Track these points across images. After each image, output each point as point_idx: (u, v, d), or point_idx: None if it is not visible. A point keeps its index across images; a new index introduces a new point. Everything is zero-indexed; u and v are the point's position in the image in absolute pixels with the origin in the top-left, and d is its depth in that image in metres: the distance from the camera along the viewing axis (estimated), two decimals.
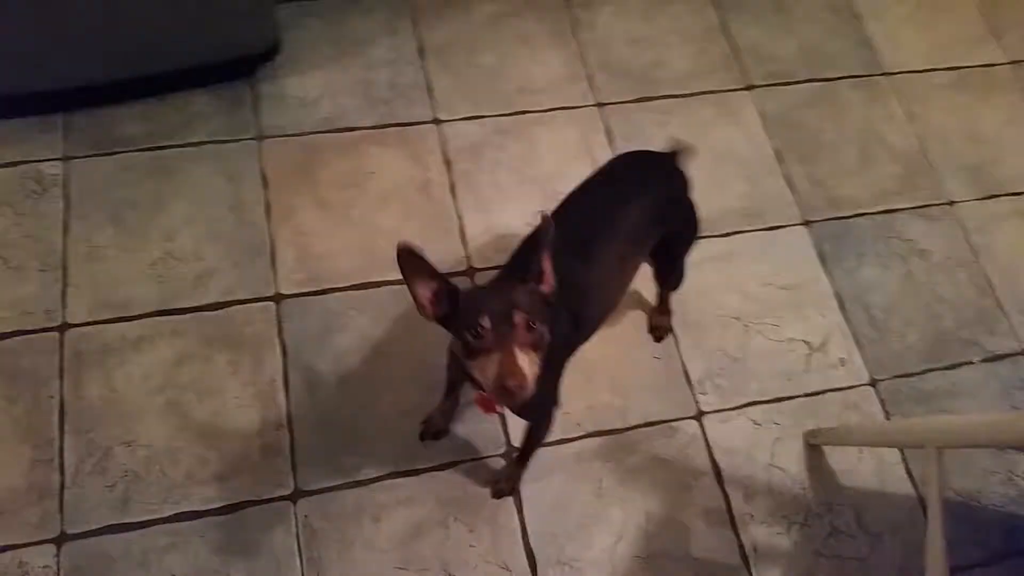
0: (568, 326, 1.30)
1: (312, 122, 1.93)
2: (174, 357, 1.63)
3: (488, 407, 1.31)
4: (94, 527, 1.49)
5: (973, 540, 1.69)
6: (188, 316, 1.68)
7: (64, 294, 1.67)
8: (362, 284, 1.77)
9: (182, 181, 1.81)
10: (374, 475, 1.60)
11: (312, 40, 2.02)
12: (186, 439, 1.57)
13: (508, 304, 1.06)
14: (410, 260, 1.08)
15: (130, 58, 1.74)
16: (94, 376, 1.60)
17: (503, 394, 1.04)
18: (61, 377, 1.59)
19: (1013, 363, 1.92)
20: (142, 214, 1.76)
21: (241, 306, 1.71)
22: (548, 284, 1.14)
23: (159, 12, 1.67)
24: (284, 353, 1.68)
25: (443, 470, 1.62)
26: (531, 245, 1.15)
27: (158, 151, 1.83)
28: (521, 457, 1.54)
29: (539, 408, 1.40)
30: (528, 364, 1.04)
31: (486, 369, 1.06)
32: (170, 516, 1.51)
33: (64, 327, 1.64)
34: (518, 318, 1.05)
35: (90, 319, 1.65)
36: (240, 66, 1.90)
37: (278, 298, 1.73)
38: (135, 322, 1.65)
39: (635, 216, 1.38)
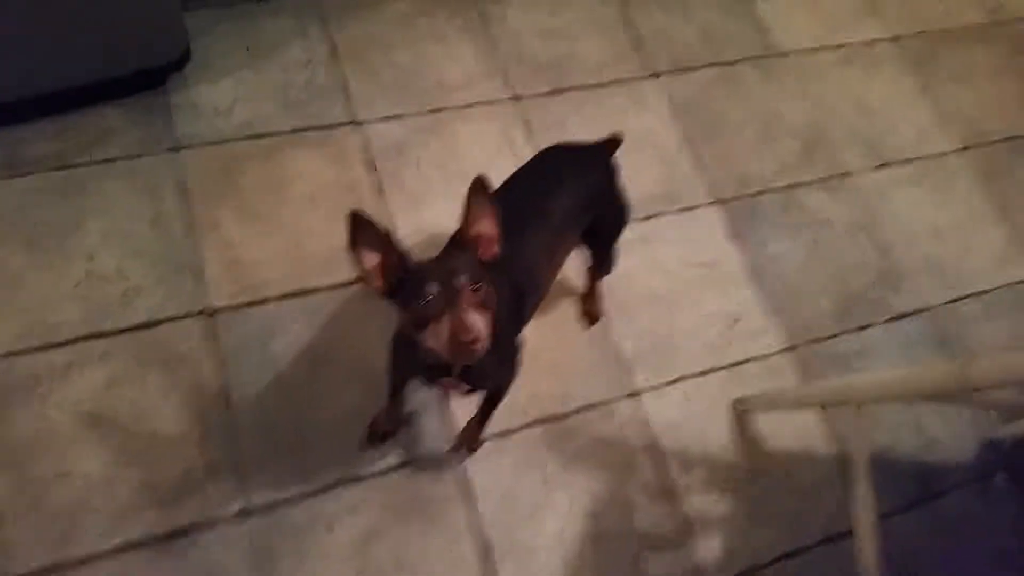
0: (511, 299, 1.34)
1: (229, 130, 1.89)
2: (106, 381, 1.59)
3: (453, 388, 1.33)
4: (34, 568, 1.43)
5: (892, 489, 1.81)
6: (118, 337, 1.63)
7: None
8: (296, 291, 1.76)
9: (99, 199, 1.75)
10: (324, 484, 1.59)
11: (222, 47, 1.98)
12: (126, 465, 1.53)
13: (451, 270, 1.10)
14: (361, 226, 1.10)
15: (35, 75, 1.67)
16: (22, 408, 1.54)
17: (459, 352, 1.07)
18: None
19: (916, 319, 2.06)
20: (60, 236, 1.69)
21: (172, 323, 1.67)
22: (488, 250, 1.17)
23: (64, 25, 1.61)
24: (222, 367, 1.65)
25: (393, 472, 1.63)
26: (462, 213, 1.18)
27: (71, 169, 1.76)
28: (480, 418, 1.57)
29: (500, 376, 1.44)
30: (480, 321, 1.08)
31: (439, 333, 1.08)
32: (115, 548, 1.47)
33: None
34: (462, 280, 1.09)
35: (13, 349, 1.58)
36: (150, 77, 1.84)
37: (210, 312, 1.70)
38: (62, 348, 1.60)
39: (563, 203, 1.43)
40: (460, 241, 1.18)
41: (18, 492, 1.48)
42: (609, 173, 1.55)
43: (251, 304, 1.73)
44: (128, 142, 1.82)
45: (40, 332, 1.60)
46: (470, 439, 1.65)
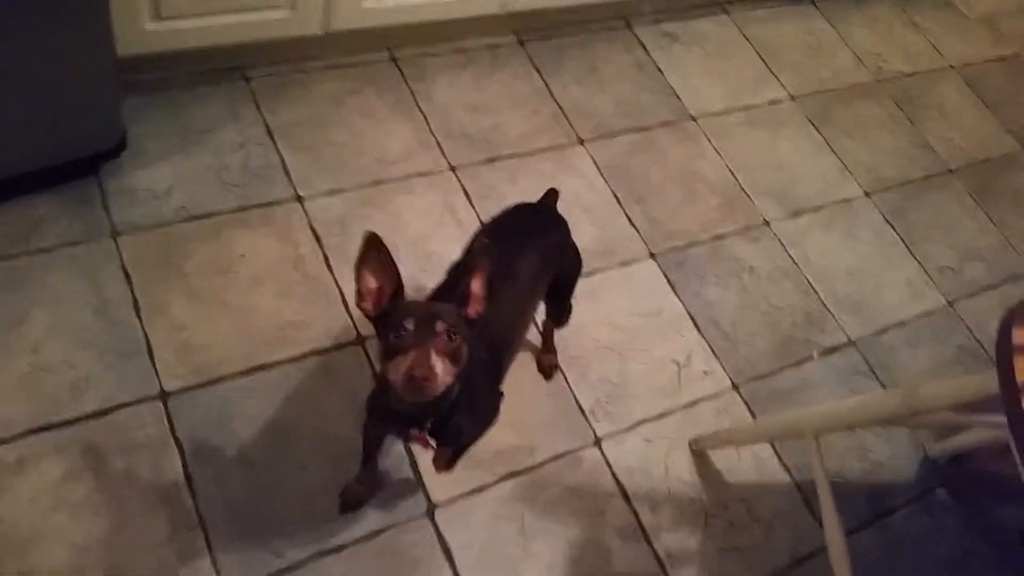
0: (488, 357, 1.42)
1: (168, 213, 1.92)
2: (62, 474, 1.56)
3: (423, 442, 1.36)
4: None
5: (845, 511, 1.91)
6: (71, 428, 1.60)
7: None
8: (251, 368, 1.78)
9: (39, 290, 1.74)
10: (300, 557, 1.59)
11: (154, 132, 2.02)
12: (93, 560, 1.49)
13: (433, 314, 1.16)
14: (372, 249, 1.18)
15: None
16: None
17: (410, 387, 1.12)
18: None
19: (845, 353, 2.24)
20: (1, 330, 1.67)
21: (125, 409, 1.66)
22: (475, 308, 1.24)
23: None
24: (181, 451, 1.64)
25: (369, 540, 1.65)
26: (463, 270, 1.26)
27: (7, 261, 1.75)
28: (456, 453, 1.59)
29: (472, 433, 1.49)
30: (441, 366, 1.13)
31: (400, 365, 1.13)
32: None
33: None
34: (440, 327, 1.15)
35: None
36: (86, 164, 1.87)
37: (164, 396, 1.70)
38: (11, 444, 1.56)
39: (530, 261, 1.53)
40: (450, 294, 1.25)
41: None
42: (564, 228, 1.68)
43: (205, 385, 1.74)
44: (65, 230, 1.83)
45: None
46: (441, 465, 1.65)
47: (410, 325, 1.14)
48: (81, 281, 1.78)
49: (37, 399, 1.62)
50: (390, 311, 1.19)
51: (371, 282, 1.20)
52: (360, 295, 1.20)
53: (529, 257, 1.53)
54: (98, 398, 1.66)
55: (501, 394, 1.53)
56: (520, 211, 1.68)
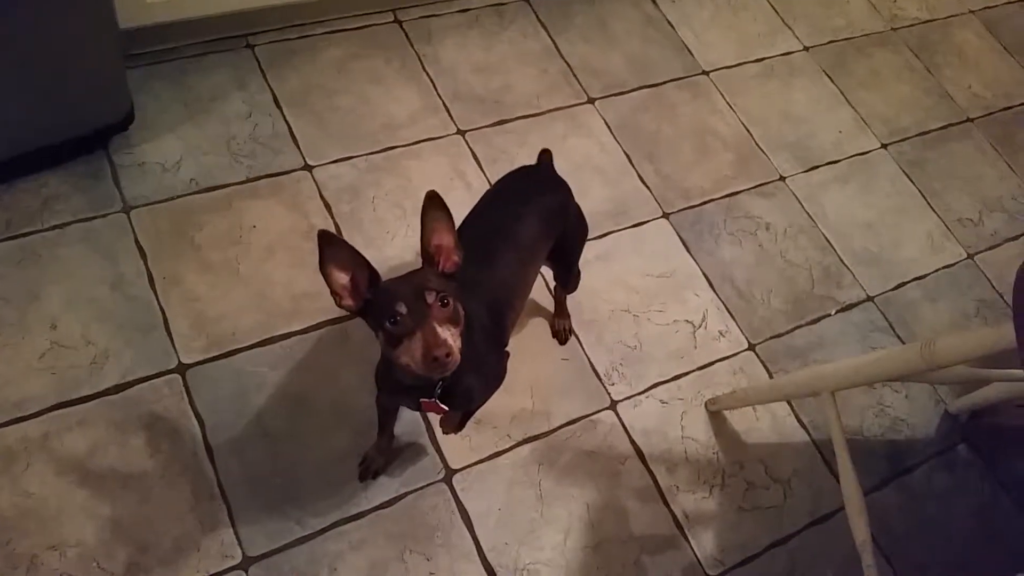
0: (489, 318, 1.44)
1: (179, 186, 1.95)
2: (86, 448, 1.60)
3: (435, 409, 1.40)
4: None
5: (864, 470, 1.95)
6: (92, 404, 1.65)
7: None
8: (266, 340, 1.81)
9: (54, 266, 1.77)
10: (321, 526, 1.64)
11: (162, 104, 2.04)
12: (118, 530, 1.54)
13: (418, 287, 1.17)
14: (330, 245, 1.17)
15: None
16: (2, 484, 1.54)
17: (433, 367, 1.14)
18: None
19: (862, 309, 2.25)
20: (18, 307, 1.71)
21: (145, 383, 1.70)
22: (450, 260, 1.25)
23: (5, 95, 1.65)
24: (200, 423, 1.68)
25: (388, 506, 1.69)
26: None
27: (20, 239, 1.78)
28: (464, 416, 1.62)
29: (482, 395, 1.52)
30: (450, 335, 1.15)
31: (412, 349, 1.15)
32: None
33: None
34: (430, 297, 1.16)
35: None
36: (94, 139, 1.89)
37: (182, 369, 1.73)
38: (35, 420, 1.61)
39: (529, 224, 1.55)
40: (423, 257, 1.26)
41: (9, 569, 1.47)
42: (565, 191, 1.68)
43: (222, 357, 1.77)
44: (77, 206, 1.85)
45: (8, 408, 1.61)
46: (449, 427, 1.69)
47: (402, 308, 1.15)
48: (95, 256, 1.81)
49: (58, 375, 1.67)
50: (373, 299, 1.20)
51: (341, 278, 1.19)
52: (337, 295, 1.20)
53: (527, 219, 1.54)
54: (117, 372, 1.70)
55: (507, 353, 1.55)
56: (518, 174, 1.70)
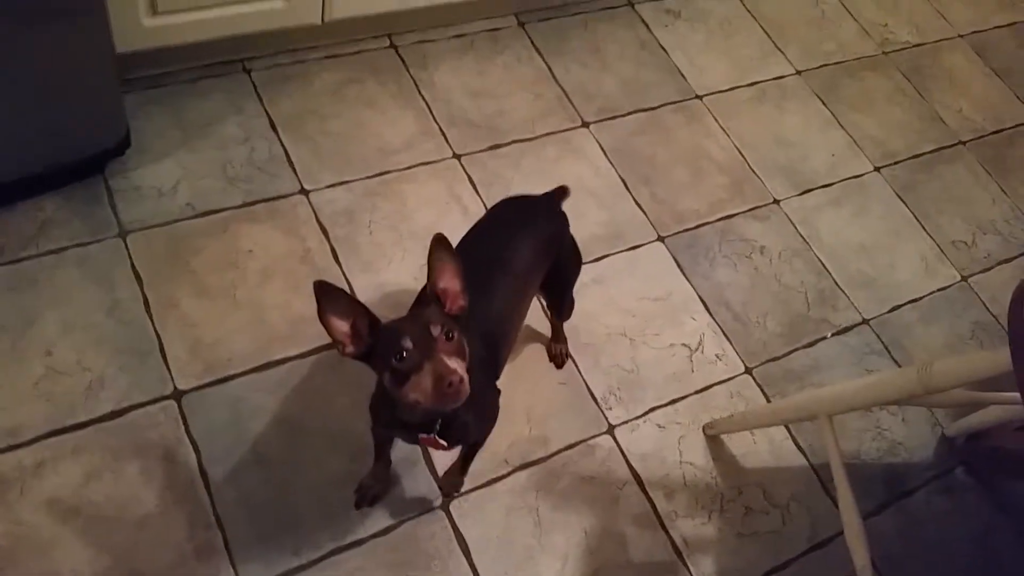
0: (483, 350, 1.45)
1: (175, 210, 1.96)
2: (81, 476, 1.61)
3: (433, 444, 1.41)
4: None
5: (862, 493, 1.97)
6: (87, 430, 1.66)
7: None
8: (262, 365, 1.82)
9: (50, 292, 1.78)
10: (318, 555, 1.64)
11: (158, 128, 2.06)
12: (114, 559, 1.54)
13: (423, 323, 1.19)
14: (327, 295, 1.18)
15: None
16: None
17: (444, 398, 1.14)
18: None
19: (858, 332, 2.28)
20: (13, 333, 1.72)
21: (140, 410, 1.71)
22: (455, 304, 1.26)
23: (2, 121, 1.67)
24: (196, 450, 1.69)
25: (385, 534, 1.70)
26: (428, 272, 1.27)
27: (16, 264, 1.80)
28: (462, 465, 1.67)
29: (479, 429, 1.54)
30: (458, 366, 1.16)
31: (421, 383, 1.15)
32: None
33: None
34: (435, 330, 1.18)
35: None
36: (90, 164, 1.91)
37: (177, 395, 1.74)
38: (30, 447, 1.61)
39: (522, 252, 1.56)
40: (427, 298, 1.28)
41: None
42: (561, 222, 1.71)
43: (218, 382, 1.78)
44: (73, 231, 1.87)
45: (2, 435, 1.62)
46: (451, 484, 1.74)
47: (408, 344, 1.16)
48: (91, 281, 1.83)
49: (53, 402, 1.67)
50: (376, 342, 1.21)
51: (342, 326, 1.20)
52: (339, 343, 1.21)
53: (521, 249, 1.56)
54: (113, 399, 1.71)
55: (498, 391, 1.56)
56: (515, 203, 1.71)
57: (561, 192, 1.73)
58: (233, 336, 1.84)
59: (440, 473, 1.78)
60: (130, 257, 1.88)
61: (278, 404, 1.79)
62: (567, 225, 1.71)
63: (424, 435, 1.38)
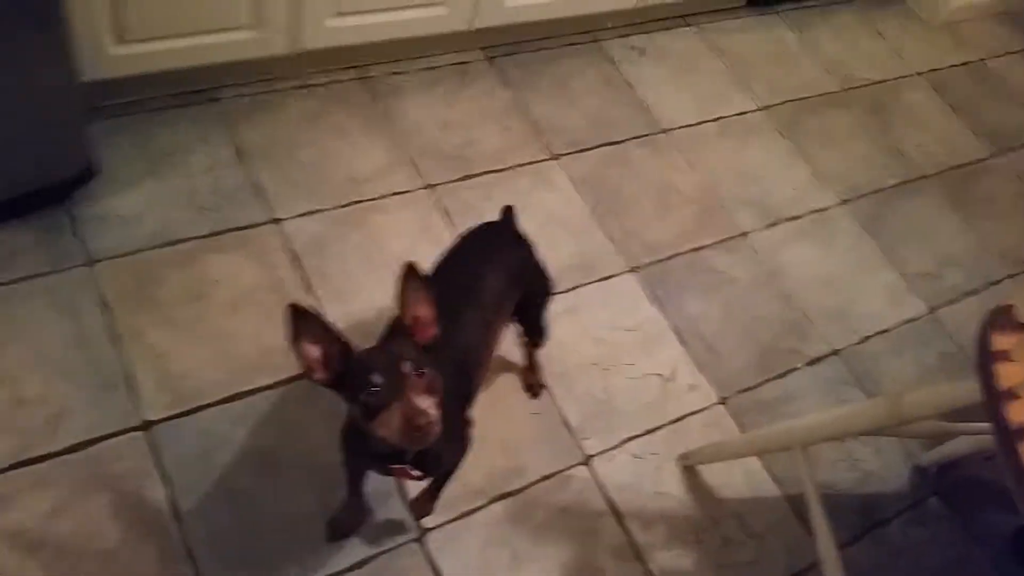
0: (455, 379, 1.45)
1: (141, 239, 1.96)
2: (47, 509, 1.58)
3: (405, 475, 1.42)
4: None
5: (838, 524, 2.00)
6: (52, 462, 1.63)
7: None
8: (232, 396, 1.82)
9: (13, 323, 1.77)
10: None
11: (123, 157, 2.07)
12: None
13: (393, 357, 1.19)
14: (301, 319, 1.17)
15: None
16: None
17: (413, 438, 1.15)
18: None
19: (829, 363, 2.34)
20: None
21: (107, 441, 1.69)
22: (426, 333, 1.27)
23: None
24: (165, 482, 1.68)
25: (360, 567, 1.69)
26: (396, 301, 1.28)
27: None
28: (433, 491, 1.67)
29: (451, 460, 1.55)
30: (428, 404, 1.16)
31: (391, 421, 1.16)
32: None
33: None
34: (405, 367, 1.17)
35: None
36: (54, 193, 1.91)
37: (146, 426, 1.73)
38: None
39: (492, 283, 1.59)
40: (398, 327, 1.28)
41: None
42: (526, 247, 1.75)
43: (187, 413, 1.77)
44: (36, 261, 1.86)
45: None
46: (422, 510, 1.74)
47: (377, 379, 1.16)
48: (56, 311, 1.82)
49: (16, 433, 1.65)
50: (346, 371, 1.21)
51: (313, 351, 1.19)
52: (309, 368, 1.20)
53: (490, 277, 1.59)
54: (79, 430, 1.69)
55: (471, 420, 1.57)
56: (478, 232, 1.75)
57: (508, 210, 1.79)
58: (202, 367, 1.84)
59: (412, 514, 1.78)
60: (97, 287, 1.87)
61: (249, 435, 1.78)
62: (533, 249, 1.75)
63: (396, 465, 1.38)
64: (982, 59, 3.54)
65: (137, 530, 1.61)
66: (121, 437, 1.71)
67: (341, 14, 2.25)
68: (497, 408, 1.96)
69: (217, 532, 1.65)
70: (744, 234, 2.55)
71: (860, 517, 2.08)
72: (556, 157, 2.51)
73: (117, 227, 1.97)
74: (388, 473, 1.46)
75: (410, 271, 1.25)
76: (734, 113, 2.87)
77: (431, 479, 1.63)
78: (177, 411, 1.77)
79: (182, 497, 1.67)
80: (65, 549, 1.56)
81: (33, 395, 1.70)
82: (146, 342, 1.83)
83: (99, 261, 1.91)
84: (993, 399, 1.18)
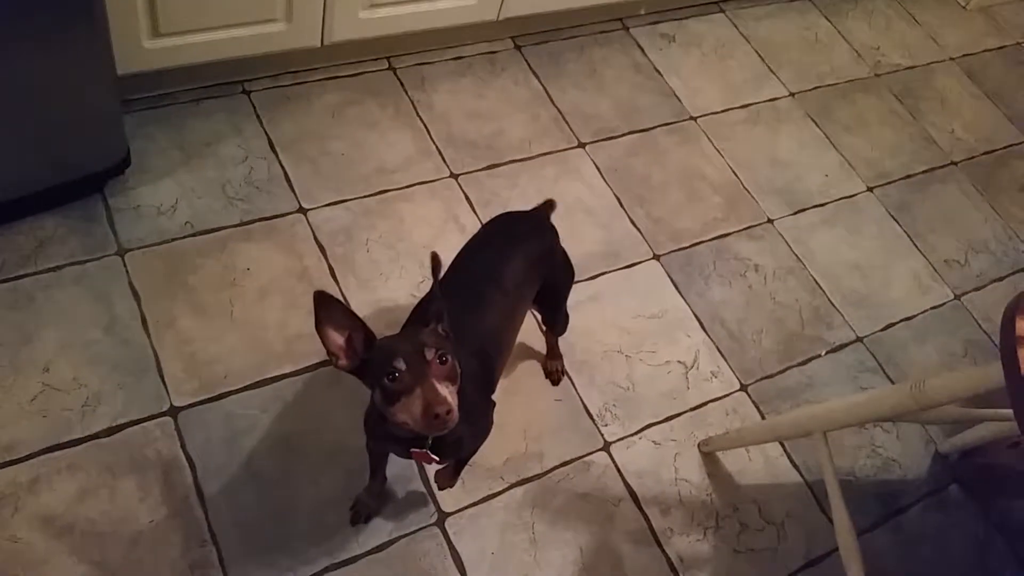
0: (478, 365, 1.42)
1: (173, 229, 1.94)
2: (76, 492, 1.57)
3: (426, 459, 1.39)
4: None
5: (857, 511, 1.93)
6: (82, 447, 1.62)
7: None
8: (258, 382, 1.79)
9: (47, 309, 1.76)
10: (312, 572, 1.60)
11: (158, 148, 2.05)
12: (109, 574, 1.51)
13: (417, 344, 1.16)
14: (326, 306, 1.16)
15: None
16: None
17: (433, 424, 1.12)
18: None
19: (852, 350, 2.24)
20: (10, 350, 1.69)
21: (136, 427, 1.68)
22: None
23: (3, 139, 1.65)
24: (192, 467, 1.66)
25: (380, 551, 1.66)
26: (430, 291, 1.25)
27: (14, 282, 1.77)
28: (456, 470, 1.63)
29: (473, 444, 1.51)
30: (449, 393, 1.14)
31: (411, 407, 1.13)
32: None
33: None
34: (429, 354, 1.15)
35: None
36: (90, 183, 1.89)
37: (174, 412, 1.71)
38: (24, 464, 1.58)
39: (514, 267, 1.54)
40: (423, 316, 1.25)
41: None
42: (551, 236, 1.68)
43: (214, 399, 1.75)
44: (71, 249, 1.85)
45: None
46: (445, 482, 1.69)
47: (401, 364, 1.14)
48: (89, 299, 1.80)
49: (49, 418, 1.64)
50: (369, 358, 1.19)
51: (337, 338, 1.18)
52: (333, 355, 1.19)
53: (513, 264, 1.54)
54: (109, 415, 1.68)
55: (493, 403, 1.53)
56: (505, 220, 1.70)
57: (548, 206, 1.73)
58: (230, 353, 1.82)
59: (435, 490, 1.74)
60: (128, 275, 1.85)
61: (274, 421, 1.76)
62: (557, 239, 1.69)
63: (416, 449, 1.35)
64: (1017, 43, 3.37)
65: (163, 513, 1.60)
66: (149, 422, 1.69)
67: (374, 5, 2.20)
68: (519, 394, 1.91)
69: (241, 516, 1.63)
70: (770, 221, 2.46)
71: (880, 504, 2.00)
72: (583, 145, 2.44)
73: (150, 216, 1.95)
74: (409, 456, 1.42)
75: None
76: (764, 100, 2.77)
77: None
78: (204, 397, 1.75)
79: (207, 481, 1.65)
80: (93, 531, 1.55)
81: (65, 380, 1.69)
82: (175, 329, 1.81)
83: (132, 250, 1.89)
84: (1017, 384, 1.12)
